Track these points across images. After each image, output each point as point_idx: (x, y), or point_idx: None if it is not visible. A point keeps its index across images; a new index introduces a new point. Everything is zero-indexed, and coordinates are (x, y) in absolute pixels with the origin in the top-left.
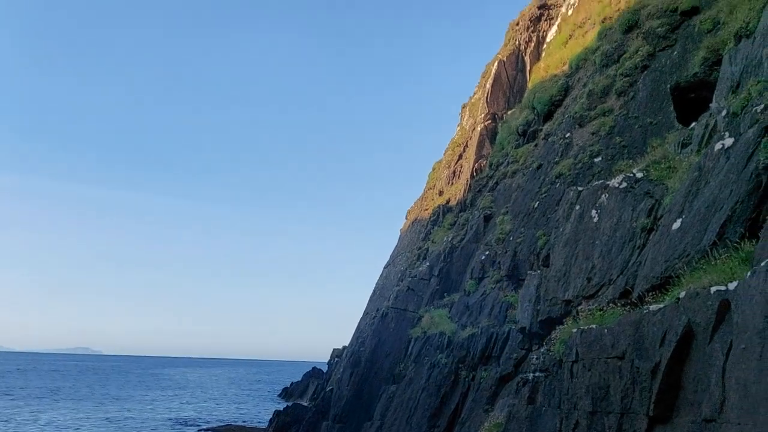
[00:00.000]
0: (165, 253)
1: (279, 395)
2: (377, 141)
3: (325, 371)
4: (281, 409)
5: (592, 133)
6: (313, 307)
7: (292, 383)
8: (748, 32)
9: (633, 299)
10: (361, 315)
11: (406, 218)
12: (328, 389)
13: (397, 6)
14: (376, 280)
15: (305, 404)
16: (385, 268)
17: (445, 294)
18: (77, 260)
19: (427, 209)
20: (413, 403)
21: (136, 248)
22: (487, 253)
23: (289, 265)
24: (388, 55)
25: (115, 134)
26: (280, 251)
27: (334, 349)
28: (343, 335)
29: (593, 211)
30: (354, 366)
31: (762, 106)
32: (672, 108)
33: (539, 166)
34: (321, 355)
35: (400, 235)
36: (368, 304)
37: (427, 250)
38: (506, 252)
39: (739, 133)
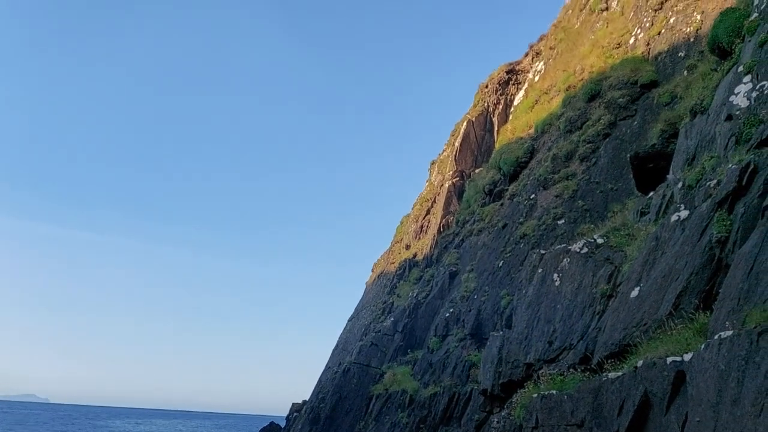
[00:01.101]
0: (115, 298)
1: None
2: (346, 193)
3: (283, 426)
4: None
5: (556, 196)
6: (272, 359)
7: None
8: (702, 109)
9: (592, 365)
10: (323, 368)
11: (373, 271)
12: None
13: (373, 66)
14: (339, 333)
15: None
16: (349, 321)
17: (409, 350)
18: (19, 302)
19: (393, 263)
20: None
21: (83, 291)
22: (451, 310)
23: (249, 313)
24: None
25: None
26: (239, 298)
27: (293, 404)
28: (303, 388)
29: (555, 275)
30: (313, 423)
31: (715, 181)
32: (632, 176)
33: (504, 226)
34: (279, 409)
35: (366, 288)
36: (331, 357)
37: (392, 304)
38: (470, 310)
39: (694, 206)
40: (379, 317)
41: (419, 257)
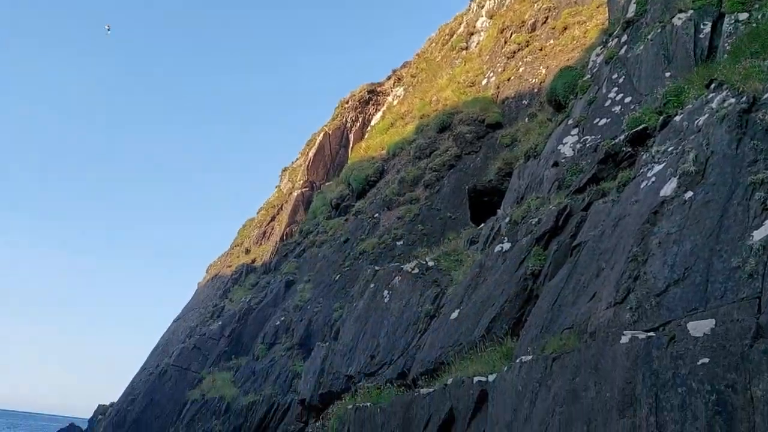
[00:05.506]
0: None
1: None
2: (190, 182)
3: (84, 429)
4: None
5: (399, 218)
6: (79, 354)
7: None
8: (535, 153)
9: (408, 381)
10: (137, 370)
11: (207, 272)
12: None
13: (237, 62)
14: (162, 333)
15: None
16: (174, 321)
17: (233, 356)
18: None
19: (230, 266)
20: None
21: None
22: (282, 318)
23: (49, 296)
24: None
25: None
26: (33, 276)
27: (99, 405)
28: (114, 390)
29: (386, 291)
30: (116, 427)
31: (537, 219)
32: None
33: (346, 240)
34: (83, 410)
35: (197, 289)
36: (148, 358)
37: (223, 308)
38: (302, 320)
39: (516, 240)
40: (207, 320)
41: (258, 263)
